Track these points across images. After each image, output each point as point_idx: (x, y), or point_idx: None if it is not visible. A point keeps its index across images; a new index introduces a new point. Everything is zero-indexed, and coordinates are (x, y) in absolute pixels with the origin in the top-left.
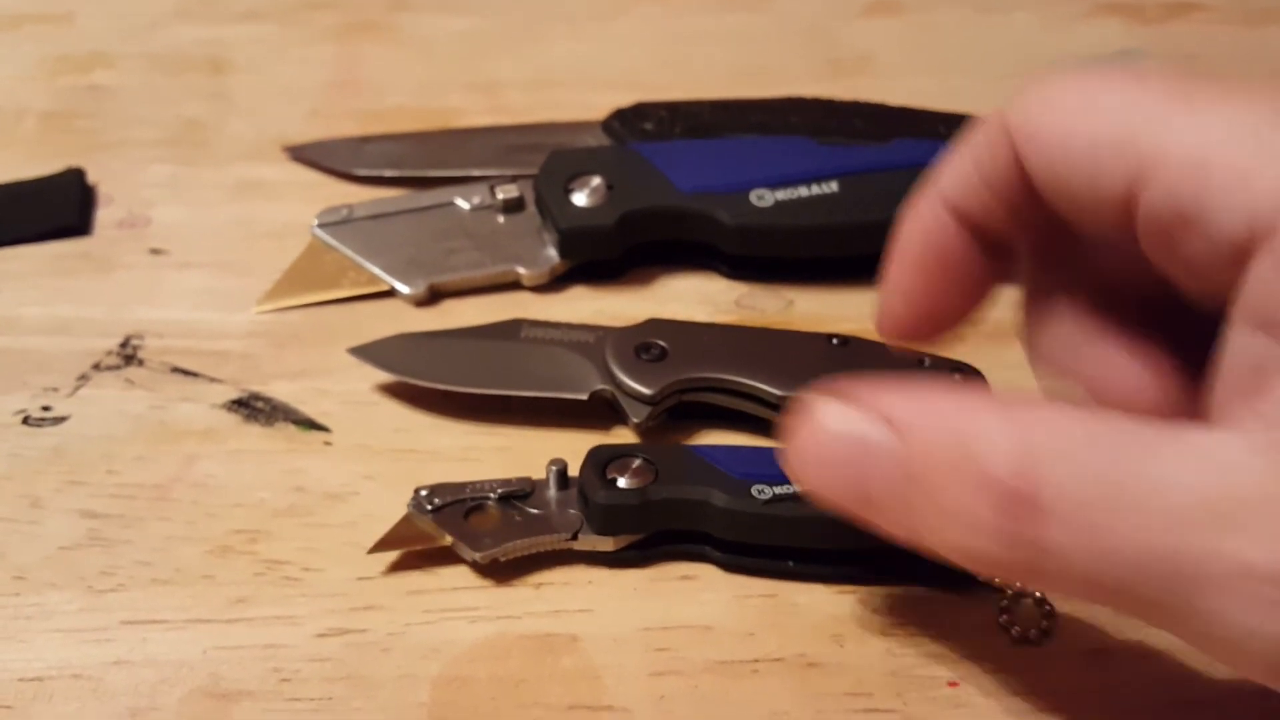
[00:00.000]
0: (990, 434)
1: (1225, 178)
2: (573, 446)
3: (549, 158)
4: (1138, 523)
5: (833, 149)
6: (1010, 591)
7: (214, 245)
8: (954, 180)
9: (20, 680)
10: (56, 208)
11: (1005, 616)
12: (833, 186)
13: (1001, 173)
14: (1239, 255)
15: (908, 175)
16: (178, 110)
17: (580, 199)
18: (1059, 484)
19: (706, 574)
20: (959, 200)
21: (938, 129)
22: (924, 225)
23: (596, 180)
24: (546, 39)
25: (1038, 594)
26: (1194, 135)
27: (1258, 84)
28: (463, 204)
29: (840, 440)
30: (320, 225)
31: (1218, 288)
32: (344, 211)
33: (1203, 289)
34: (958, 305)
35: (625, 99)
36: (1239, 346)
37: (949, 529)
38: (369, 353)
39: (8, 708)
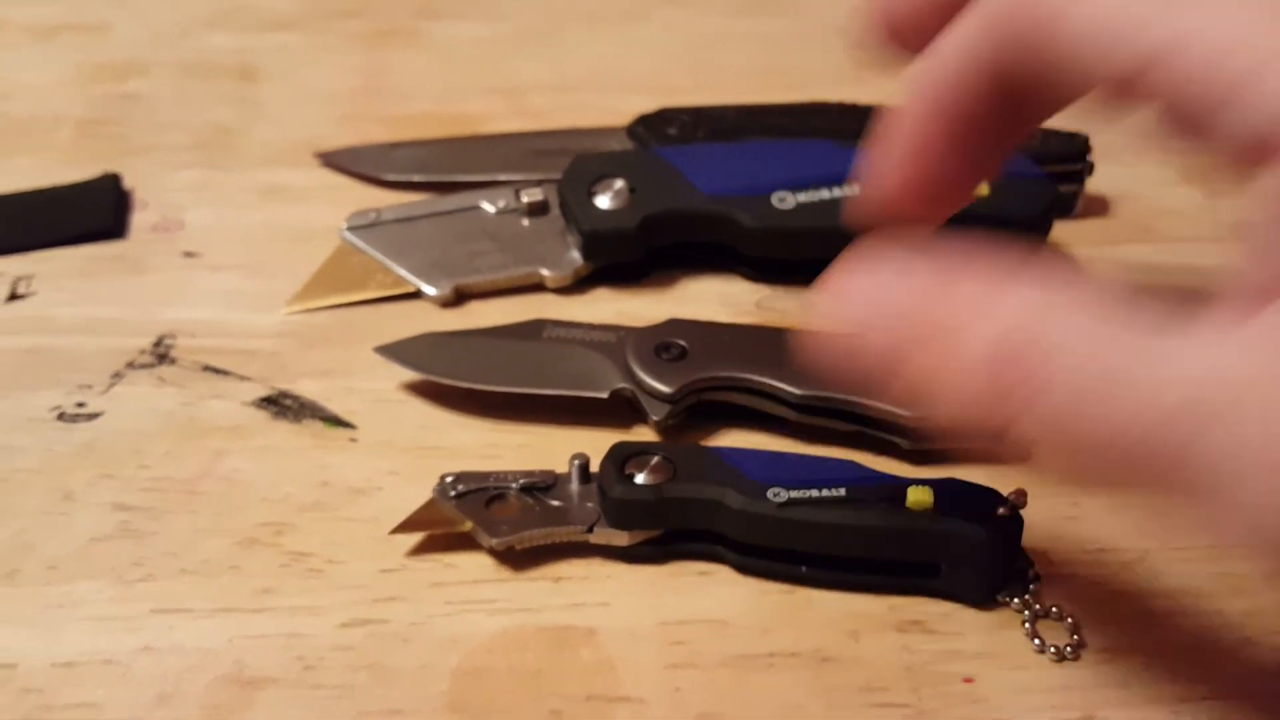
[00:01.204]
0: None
1: (1246, 67)
2: (594, 445)
3: (573, 162)
4: (1142, 389)
5: (854, 151)
6: (1035, 607)
7: (244, 248)
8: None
9: (51, 665)
10: (92, 212)
11: (1037, 640)
12: (854, 189)
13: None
14: (1260, 149)
15: None
16: (208, 116)
17: (603, 202)
18: (1061, 341)
19: (722, 570)
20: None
21: None
22: (954, 69)
23: (619, 183)
24: (569, 43)
25: (1056, 609)
26: (1210, 28)
27: None
28: (488, 207)
29: (873, 287)
30: (349, 228)
31: (1233, 167)
32: (372, 215)
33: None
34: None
35: (648, 103)
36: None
37: (948, 372)
38: (395, 351)
39: (38, 691)
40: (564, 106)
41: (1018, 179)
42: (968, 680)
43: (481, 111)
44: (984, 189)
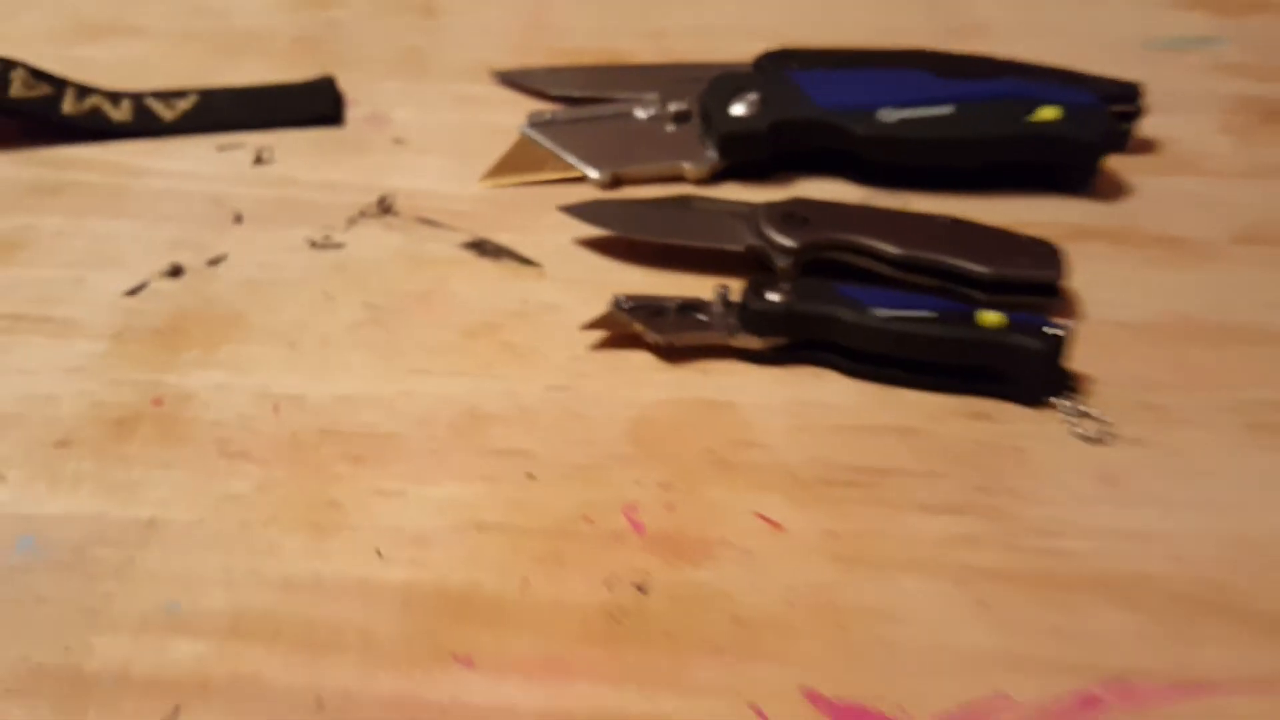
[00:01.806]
0: None
1: None
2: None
3: (715, 78)
4: None
5: (948, 80)
6: (1076, 408)
7: (443, 138)
8: None
9: (333, 398)
10: (316, 102)
11: (1076, 431)
12: (948, 109)
13: None
14: None
15: (1012, 103)
16: (400, 41)
17: (738, 109)
18: None
19: (833, 374)
20: None
21: (1037, 74)
22: None
23: (753, 95)
24: None
25: (1092, 411)
26: None
27: None
28: (641, 114)
29: None
30: (529, 125)
31: None
32: (547, 115)
33: None
34: None
35: (764, 49)
36: None
37: None
38: (575, 209)
39: (327, 412)
40: (697, 48)
41: (1084, 109)
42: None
43: (628, 49)
44: (1056, 112)
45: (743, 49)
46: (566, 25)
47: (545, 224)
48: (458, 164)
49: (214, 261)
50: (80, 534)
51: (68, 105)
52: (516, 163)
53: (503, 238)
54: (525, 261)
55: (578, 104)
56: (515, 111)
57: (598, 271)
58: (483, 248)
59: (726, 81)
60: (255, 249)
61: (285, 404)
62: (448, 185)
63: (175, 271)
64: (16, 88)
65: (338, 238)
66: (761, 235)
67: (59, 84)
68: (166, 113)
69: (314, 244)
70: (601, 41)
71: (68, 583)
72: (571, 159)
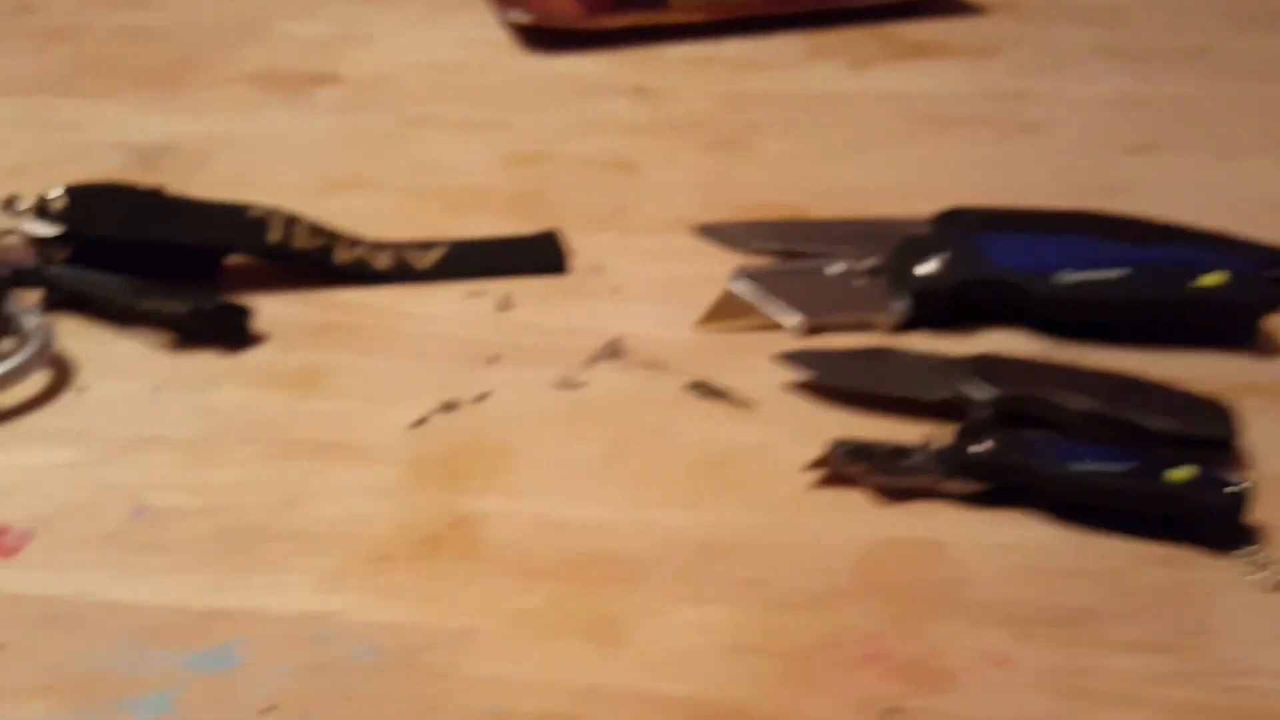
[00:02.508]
0: None
1: None
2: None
3: (904, 240)
4: None
5: (1114, 244)
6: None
7: (654, 288)
8: None
9: (596, 525)
10: (546, 252)
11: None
12: (1117, 273)
13: None
14: None
15: (1178, 269)
16: (604, 197)
17: (924, 268)
18: None
19: (1037, 519)
20: None
21: (1196, 239)
22: None
23: (938, 256)
24: (859, 159)
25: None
26: None
27: None
28: (833, 269)
29: None
30: (735, 277)
31: None
32: (749, 270)
33: None
34: None
35: (925, 206)
36: None
37: None
38: (789, 357)
39: (595, 548)
40: (859, 206)
41: (1245, 274)
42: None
43: (801, 205)
44: (1220, 278)
45: (900, 206)
46: (745, 183)
47: (755, 367)
48: (671, 310)
49: (480, 398)
50: (408, 641)
51: (340, 254)
52: (725, 310)
53: (719, 379)
54: (741, 403)
55: (771, 256)
56: (713, 262)
57: (806, 414)
58: (703, 389)
59: (914, 244)
60: (511, 387)
61: (557, 528)
62: (665, 330)
63: (449, 406)
64: (300, 239)
65: (579, 378)
66: (957, 388)
67: (332, 236)
68: (420, 261)
69: (560, 384)
70: (777, 197)
71: (402, 684)
72: (774, 308)
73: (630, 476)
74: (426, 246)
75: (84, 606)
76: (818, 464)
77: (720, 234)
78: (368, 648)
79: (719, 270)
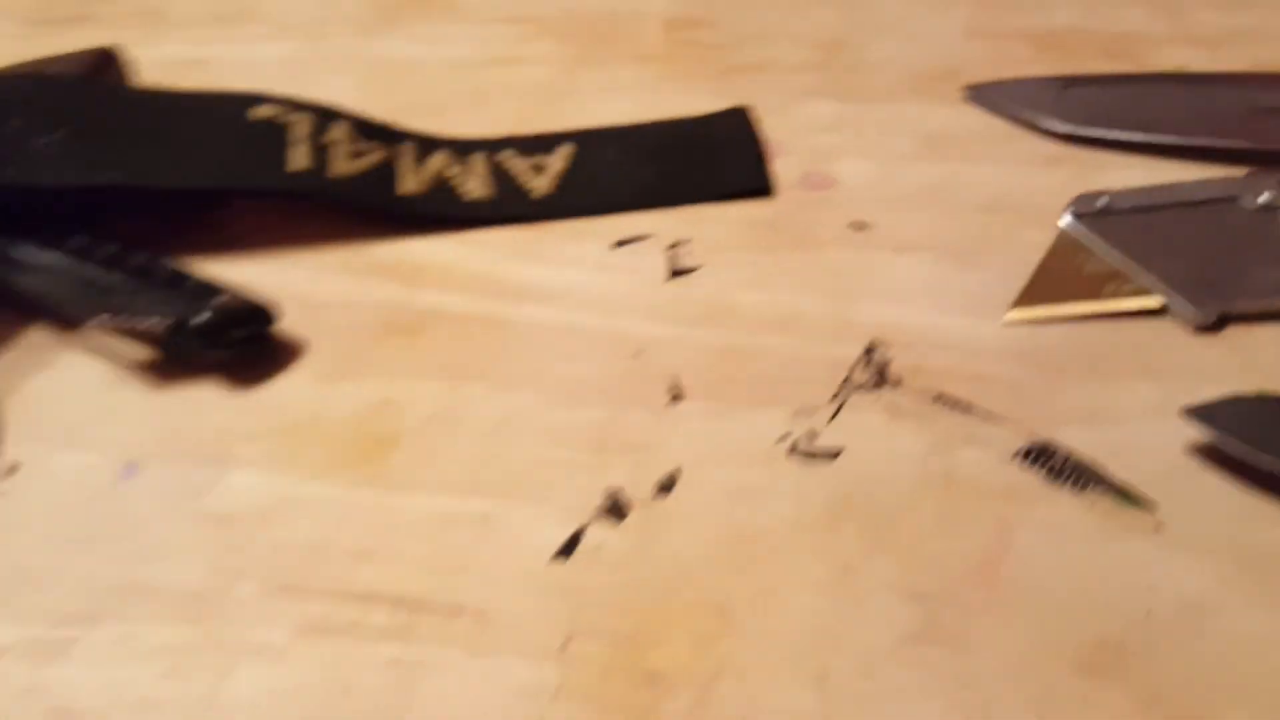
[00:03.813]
0: None
1: None
2: None
3: None
4: None
5: None
6: None
7: (920, 221)
8: None
9: None
10: (736, 163)
11: None
12: None
13: None
14: None
15: None
16: (810, 20)
17: None
18: None
19: None
20: None
21: None
22: None
23: None
24: None
25: None
26: None
27: None
28: (1250, 201)
29: None
30: (1073, 214)
31: None
32: (1102, 200)
33: None
34: None
35: None
36: None
37: None
38: (1210, 416)
39: None
40: (1236, 27)
41: None
42: None
43: (1138, 30)
44: None
45: None
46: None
47: (1125, 401)
48: (957, 273)
49: (664, 488)
50: None
51: (406, 180)
52: (1056, 281)
53: (1072, 436)
54: (1125, 498)
55: (1089, 144)
56: (1008, 162)
57: (1248, 522)
58: (1050, 464)
59: None
60: (707, 457)
61: None
62: (954, 318)
63: (616, 511)
64: (340, 160)
65: (824, 434)
66: None
67: (392, 139)
68: (535, 180)
69: (793, 449)
70: (1097, 17)
71: None
72: (1149, 279)
73: (953, 672)
74: (541, 145)
75: None
76: None
77: (1006, 101)
78: None
79: (1014, 177)
